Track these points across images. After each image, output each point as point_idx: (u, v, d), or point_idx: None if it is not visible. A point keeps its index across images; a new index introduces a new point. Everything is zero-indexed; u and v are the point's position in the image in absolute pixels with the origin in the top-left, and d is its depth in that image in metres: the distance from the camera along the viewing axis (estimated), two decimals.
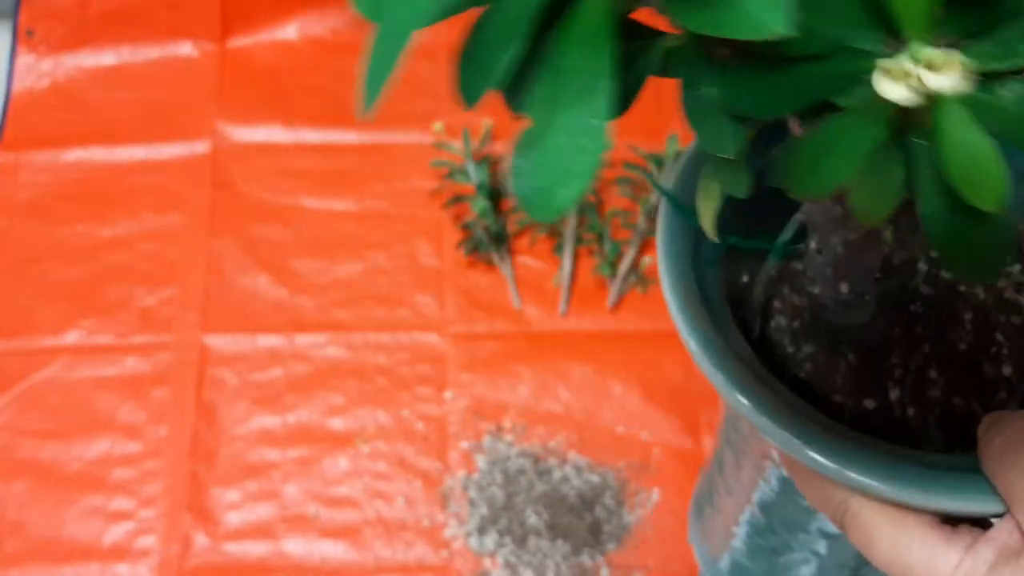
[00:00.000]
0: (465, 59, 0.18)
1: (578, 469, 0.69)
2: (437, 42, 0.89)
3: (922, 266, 0.31)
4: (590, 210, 0.77)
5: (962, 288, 0.31)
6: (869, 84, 0.18)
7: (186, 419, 0.70)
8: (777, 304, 0.31)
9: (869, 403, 0.29)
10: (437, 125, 0.80)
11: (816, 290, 0.30)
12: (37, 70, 0.85)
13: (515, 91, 0.18)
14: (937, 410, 0.28)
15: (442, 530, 0.67)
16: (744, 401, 0.25)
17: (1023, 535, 0.22)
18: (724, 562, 0.42)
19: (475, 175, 0.78)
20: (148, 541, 0.67)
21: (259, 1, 0.87)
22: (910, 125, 0.19)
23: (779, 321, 0.31)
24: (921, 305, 0.30)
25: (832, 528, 0.32)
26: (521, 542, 0.67)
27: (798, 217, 0.30)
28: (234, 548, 0.66)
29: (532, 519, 0.67)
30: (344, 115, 0.84)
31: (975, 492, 0.23)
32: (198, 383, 0.72)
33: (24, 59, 0.85)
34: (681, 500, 0.68)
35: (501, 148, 0.83)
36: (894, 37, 0.18)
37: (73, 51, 0.85)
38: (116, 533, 0.67)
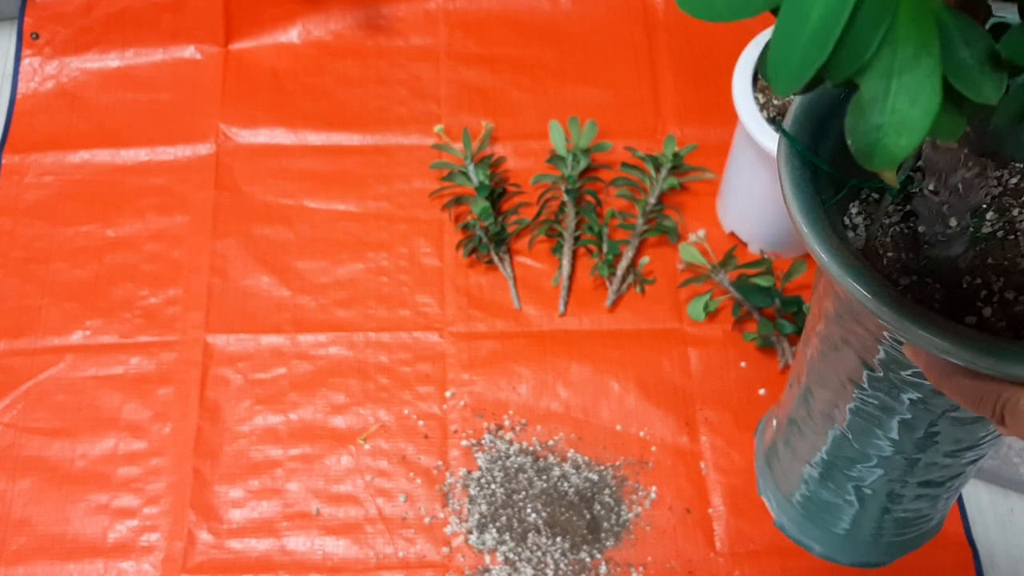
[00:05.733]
0: (794, 42, 0.20)
1: (577, 467, 0.69)
2: (437, 44, 0.90)
3: (1005, 200, 0.35)
4: (588, 211, 0.77)
5: None
6: None
7: (190, 417, 0.71)
8: (880, 242, 0.34)
9: (970, 319, 0.31)
10: (438, 127, 0.80)
11: (923, 228, 0.33)
12: (42, 73, 0.86)
13: (844, 65, 0.20)
14: None
15: (443, 527, 0.68)
16: (910, 323, 0.28)
17: None
18: (796, 496, 0.45)
19: (475, 176, 0.78)
20: (153, 538, 0.67)
21: (262, 5, 0.87)
22: None
23: (883, 257, 0.33)
24: (1000, 234, 0.34)
25: (906, 415, 0.36)
26: (521, 539, 0.67)
27: (909, 163, 0.33)
28: (237, 545, 0.67)
29: (531, 516, 0.67)
30: (346, 117, 0.84)
31: None
32: (202, 382, 0.72)
33: (29, 62, 0.86)
34: (678, 497, 0.69)
35: (500, 150, 0.83)
36: None
37: (78, 54, 0.86)
38: (121, 530, 0.67)
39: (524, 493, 0.68)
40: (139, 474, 0.69)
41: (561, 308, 0.76)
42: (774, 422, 0.47)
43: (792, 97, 0.31)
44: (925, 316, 0.28)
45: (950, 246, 0.33)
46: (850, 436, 0.39)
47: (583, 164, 0.78)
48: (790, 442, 0.44)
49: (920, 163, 0.32)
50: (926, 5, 0.20)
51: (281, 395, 0.72)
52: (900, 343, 0.32)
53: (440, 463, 0.70)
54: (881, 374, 0.35)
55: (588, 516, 0.67)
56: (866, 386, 0.36)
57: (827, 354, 0.38)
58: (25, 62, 0.86)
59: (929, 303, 0.32)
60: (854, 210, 0.35)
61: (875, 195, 0.36)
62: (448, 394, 0.72)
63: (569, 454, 0.70)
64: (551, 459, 0.70)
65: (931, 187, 0.31)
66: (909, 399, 0.35)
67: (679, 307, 0.76)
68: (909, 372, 0.33)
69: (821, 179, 0.33)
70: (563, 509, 0.68)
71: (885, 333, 0.33)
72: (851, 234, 0.35)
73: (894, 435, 0.37)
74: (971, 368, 0.28)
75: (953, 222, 0.32)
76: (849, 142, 0.21)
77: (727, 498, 0.69)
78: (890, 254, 0.34)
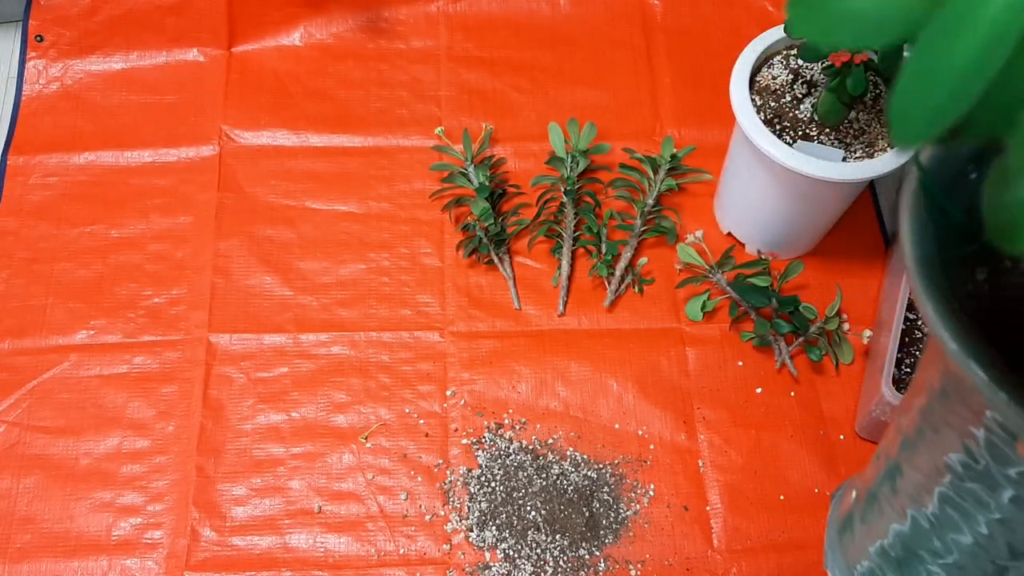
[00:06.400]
0: (929, 86, 0.16)
1: (576, 465, 0.70)
2: (437, 47, 0.91)
3: None
4: (587, 212, 0.78)
5: None
6: None
7: (193, 416, 0.72)
8: (1007, 316, 0.29)
9: None
10: (438, 129, 0.81)
11: None
12: (47, 75, 0.86)
13: (989, 121, 0.16)
14: None
15: (443, 524, 0.68)
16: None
17: None
18: (861, 567, 0.41)
19: (475, 178, 0.79)
20: (156, 535, 0.68)
21: (264, 8, 0.88)
22: None
23: (1007, 335, 0.29)
24: None
25: (1003, 515, 0.31)
26: (520, 536, 0.67)
27: None
28: (240, 542, 0.67)
29: (531, 514, 0.68)
30: (347, 119, 0.85)
31: None
32: (205, 381, 0.73)
33: (34, 64, 0.86)
34: (676, 494, 0.69)
35: (500, 151, 0.84)
36: None
37: (82, 56, 0.87)
38: (125, 527, 0.68)
39: (524, 491, 0.69)
40: (143, 472, 0.70)
41: (560, 308, 0.76)
42: (853, 493, 0.43)
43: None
44: None
45: None
46: (935, 526, 0.35)
47: (582, 165, 0.79)
48: (867, 518, 0.40)
49: None
50: None
51: (283, 394, 0.73)
52: (1014, 437, 0.28)
53: (441, 461, 0.70)
54: (982, 466, 0.30)
55: (587, 514, 0.68)
56: (963, 475, 0.32)
57: (925, 432, 0.33)
58: (30, 64, 0.86)
59: None
60: (980, 276, 0.30)
61: (1009, 262, 0.30)
62: (449, 393, 0.73)
63: (568, 452, 0.71)
64: (550, 457, 0.70)
65: None
66: (1011, 498, 0.30)
67: (677, 307, 0.76)
68: (1016, 471, 0.29)
69: (948, 233, 0.28)
70: (562, 507, 0.68)
71: (995, 423, 0.28)
72: (972, 303, 0.29)
73: (984, 532, 0.32)
74: None
75: None
76: (985, 214, 0.17)
77: (724, 496, 0.69)
78: (1016, 332, 0.29)
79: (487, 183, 0.78)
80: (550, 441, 0.71)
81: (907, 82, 0.16)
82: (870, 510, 0.40)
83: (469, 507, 0.68)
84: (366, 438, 0.71)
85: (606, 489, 0.69)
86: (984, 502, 0.31)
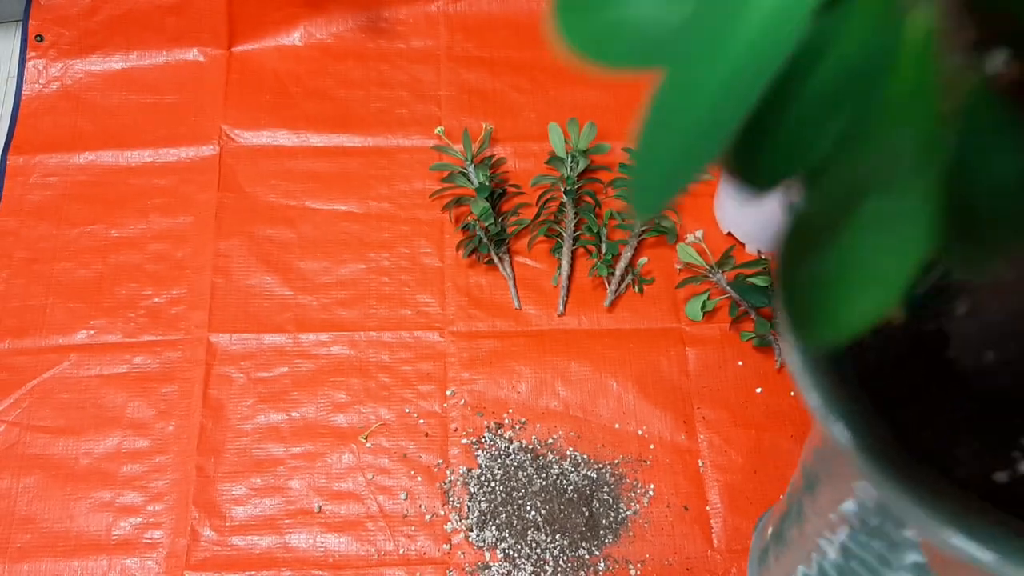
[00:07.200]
0: (757, 141, 0.12)
1: (576, 464, 0.70)
2: (437, 47, 0.91)
3: None
4: (587, 212, 0.78)
5: None
6: None
7: (193, 416, 0.72)
8: (895, 363, 0.26)
9: (1000, 475, 0.23)
10: (438, 129, 0.81)
11: (952, 354, 0.25)
12: (47, 75, 0.86)
13: (777, 162, 0.12)
14: None
15: (443, 524, 0.68)
16: (906, 496, 0.20)
17: None
18: None
19: (475, 178, 0.79)
20: (156, 535, 0.68)
21: (264, 7, 0.88)
22: None
23: (897, 387, 0.25)
24: None
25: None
26: (520, 536, 0.67)
27: (938, 277, 0.24)
28: (240, 542, 0.67)
29: (531, 513, 0.68)
30: (347, 119, 0.85)
31: None
32: (205, 381, 0.73)
33: (34, 64, 0.86)
34: (676, 494, 0.69)
35: (500, 151, 0.84)
36: None
37: (82, 56, 0.87)
38: (125, 527, 0.68)
39: (523, 491, 0.69)
40: (143, 472, 0.70)
41: (560, 308, 0.76)
42: (770, 528, 0.40)
43: None
44: (926, 484, 0.19)
45: (985, 381, 0.24)
46: None
47: (582, 165, 0.79)
48: (780, 558, 0.37)
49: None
50: (938, 80, 0.11)
51: (283, 393, 0.73)
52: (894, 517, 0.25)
53: (440, 461, 0.70)
54: (877, 523, 0.27)
55: (587, 513, 0.68)
56: (858, 529, 0.28)
57: (820, 476, 0.29)
58: (30, 64, 0.86)
59: (949, 446, 0.23)
60: None
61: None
62: (448, 392, 0.73)
63: (568, 452, 0.71)
64: (550, 457, 0.70)
65: (964, 309, 0.24)
66: (914, 562, 0.26)
67: (677, 307, 0.76)
68: (912, 533, 0.25)
69: None
70: (562, 506, 0.68)
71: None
72: (875, 339, 0.26)
73: None
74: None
75: (991, 355, 0.24)
76: (777, 294, 0.12)
77: (724, 496, 0.69)
78: (908, 379, 0.25)
79: (487, 183, 0.78)
80: (550, 441, 0.71)
81: (648, 123, 0.10)
82: (781, 551, 0.36)
83: (469, 507, 0.68)
84: (366, 438, 0.71)
85: (606, 489, 0.69)
86: (887, 561, 0.27)
